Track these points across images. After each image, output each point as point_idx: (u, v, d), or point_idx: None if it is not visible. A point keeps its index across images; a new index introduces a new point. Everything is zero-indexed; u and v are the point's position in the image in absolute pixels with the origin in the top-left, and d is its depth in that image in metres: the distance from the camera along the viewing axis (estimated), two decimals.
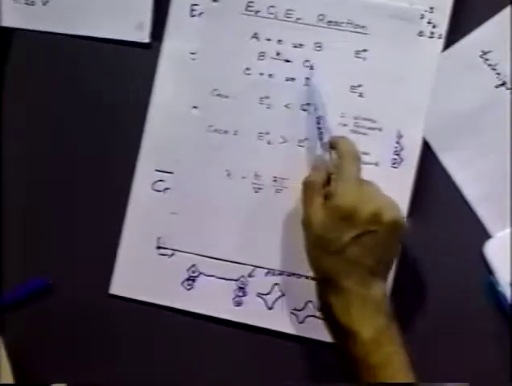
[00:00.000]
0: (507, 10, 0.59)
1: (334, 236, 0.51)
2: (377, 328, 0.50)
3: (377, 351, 0.50)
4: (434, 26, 0.60)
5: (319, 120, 0.59)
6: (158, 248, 0.61)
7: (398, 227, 0.51)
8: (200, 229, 0.61)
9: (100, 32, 0.62)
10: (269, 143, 0.61)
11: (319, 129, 0.58)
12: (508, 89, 0.59)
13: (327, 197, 0.53)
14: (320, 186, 0.54)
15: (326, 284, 0.52)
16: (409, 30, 0.60)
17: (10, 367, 0.60)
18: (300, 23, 0.61)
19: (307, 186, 0.55)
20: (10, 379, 0.59)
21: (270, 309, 0.60)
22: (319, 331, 0.59)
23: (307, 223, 0.53)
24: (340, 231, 0.51)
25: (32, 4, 0.62)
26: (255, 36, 0.61)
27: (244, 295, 0.61)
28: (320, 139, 0.58)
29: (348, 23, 0.61)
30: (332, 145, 0.57)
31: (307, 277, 0.60)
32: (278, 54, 0.61)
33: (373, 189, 0.53)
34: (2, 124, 0.63)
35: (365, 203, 0.51)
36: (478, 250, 0.59)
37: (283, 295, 0.61)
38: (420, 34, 0.60)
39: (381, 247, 0.51)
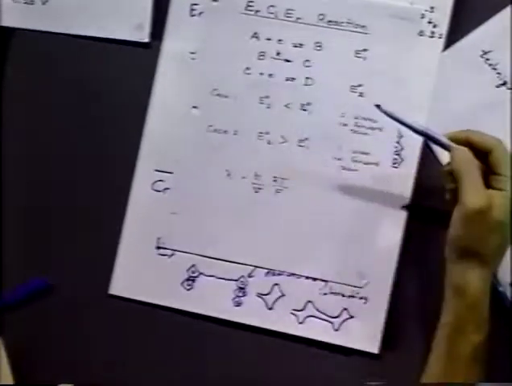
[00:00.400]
0: (507, 9, 0.60)
1: (508, 222, 0.52)
2: None
3: (486, 336, 0.53)
4: (434, 26, 0.60)
5: (426, 133, 0.56)
6: (158, 248, 0.62)
7: None
8: (199, 229, 0.62)
9: (99, 32, 0.63)
10: (269, 143, 0.62)
11: (432, 139, 0.55)
12: (509, 89, 0.60)
13: (490, 183, 0.52)
14: (480, 172, 0.53)
15: (479, 265, 0.52)
16: (409, 30, 0.61)
17: (10, 368, 0.60)
18: (300, 23, 0.62)
19: (468, 171, 0.53)
20: (9, 380, 0.59)
21: (270, 309, 0.61)
22: (319, 331, 0.61)
23: (487, 207, 0.51)
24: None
25: (32, 3, 0.63)
26: (255, 36, 0.62)
27: (244, 295, 0.61)
28: (441, 144, 0.55)
29: (348, 23, 0.61)
30: (462, 141, 0.55)
31: (307, 278, 0.61)
32: (278, 53, 0.62)
33: None
34: (2, 124, 0.63)
35: None
36: None
37: (283, 295, 0.61)
38: (421, 33, 0.61)
39: None
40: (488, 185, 0.53)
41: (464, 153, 0.54)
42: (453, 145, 0.54)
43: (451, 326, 0.53)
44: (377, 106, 0.56)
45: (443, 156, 0.60)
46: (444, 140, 0.55)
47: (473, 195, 0.51)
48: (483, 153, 0.53)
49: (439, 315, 0.57)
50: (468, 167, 0.53)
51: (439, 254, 0.58)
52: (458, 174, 0.52)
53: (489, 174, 0.53)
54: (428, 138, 0.56)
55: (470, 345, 0.52)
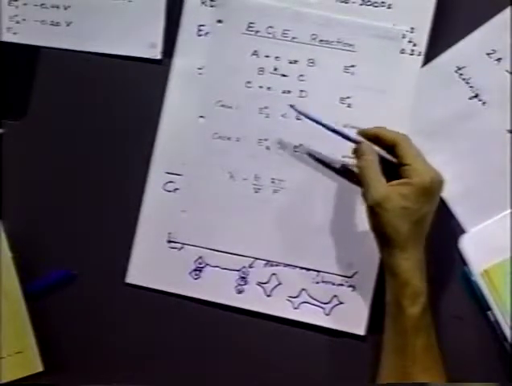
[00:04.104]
0: (479, 30, 0.62)
1: (417, 207, 0.54)
2: (426, 290, 0.56)
3: (426, 311, 0.55)
4: (414, 45, 0.62)
5: (336, 130, 0.60)
6: (169, 242, 0.64)
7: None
8: (206, 225, 0.64)
9: (117, 50, 0.65)
10: (267, 148, 0.64)
11: (342, 135, 0.59)
12: (480, 101, 0.62)
13: (400, 174, 0.55)
14: (377, 166, 0.56)
15: (397, 247, 0.55)
16: (392, 48, 0.63)
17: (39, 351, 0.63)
18: (295, 42, 0.63)
19: (368, 168, 0.56)
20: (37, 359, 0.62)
21: (269, 296, 0.63)
22: (312, 316, 0.63)
23: (383, 199, 0.54)
24: (422, 202, 0.54)
25: (57, 25, 0.65)
26: (255, 53, 0.64)
27: (245, 284, 0.63)
28: (350, 139, 0.59)
29: (338, 42, 0.63)
30: (370, 136, 0.58)
31: (301, 268, 0.63)
32: (275, 69, 0.64)
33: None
34: (30, 130, 0.65)
35: (437, 176, 0.56)
36: (454, 243, 0.62)
37: (280, 284, 0.63)
38: (402, 51, 0.63)
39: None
40: (399, 174, 0.56)
41: (365, 152, 0.57)
42: (361, 140, 0.58)
43: (390, 304, 0.56)
44: (291, 106, 0.60)
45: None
46: (354, 136, 0.58)
47: (371, 189, 0.55)
48: (392, 147, 0.57)
49: None
50: (368, 165, 0.56)
51: None
52: (360, 172, 0.56)
53: (400, 165, 0.56)
54: (340, 135, 0.59)
55: (409, 318, 0.54)
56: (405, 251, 0.55)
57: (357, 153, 0.58)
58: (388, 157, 0.58)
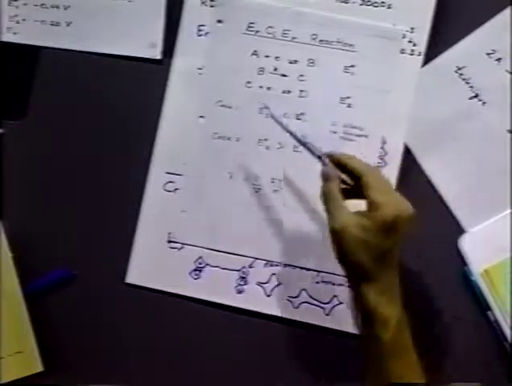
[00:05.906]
0: (479, 30, 0.63)
1: (377, 241, 0.51)
2: (399, 313, 0.52)
3: (400, 334, 0.52)
4: (414, 45, 0.63)
5: (305, 143, 0.58)
6: (169, 241, 0.65)
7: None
8: (206, 225, 0.64)
9: (117, 50, 0.65)
10: (267, 148, 0.64)
11: (310, 150, 0.57)
12: (480, 101, 0.63)
13: (368, 206, 0.53)
14: (339, 193, 0.54)
15: (361, 277, 0.52)
16: (392, 48, 0.63)
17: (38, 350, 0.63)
18: (295, 42, 0.64)
19: (330, 195, 0.54)
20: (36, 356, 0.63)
21: (269, 296, 0.64)
22: (312, 316, 0.63)
23: (342, 229, 0.52)
24: (382, 237, 0.51)
25: (57, 25, 0.65)
26: (255, 53, 0.64)
27: (245, 284, 0.64)
28: (318, 158, 0.57)
29: (337, 42, 0.64)
30: (336, 162, 0.56)
31: (301, 268, 0.63)
32: (275, 69, 0.64)
33: (397, 193, 0.54)
34: (30, 130, 0.66)
35: (403, 212, 0.52)
36: (454, 243, 0.62)
37: (280, 284, 0.64)
38: (402, 51, 0.63)
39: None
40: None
41: (327, 178, 0.55)
42: (326, 162, 0.55)
43: (361, 328, 0.54)
44: (266, 107, 0.61)
45: (423, 160, 0.63)
46: (319, 154, 0.56)
47: (331, 217, 0.53)
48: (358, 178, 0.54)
49: (419, 301, 0.60)
50: (328, 192, 0.54)
51: (420, 248, 0.61)
52: (322, 197, 0.54)
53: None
54: (307, 150, 0.57)
55: (381, 344, 0.52)
56: (366, 280, 0.52)
57: (322, 176, 0.56)
58: (348, 181, 0.56)
